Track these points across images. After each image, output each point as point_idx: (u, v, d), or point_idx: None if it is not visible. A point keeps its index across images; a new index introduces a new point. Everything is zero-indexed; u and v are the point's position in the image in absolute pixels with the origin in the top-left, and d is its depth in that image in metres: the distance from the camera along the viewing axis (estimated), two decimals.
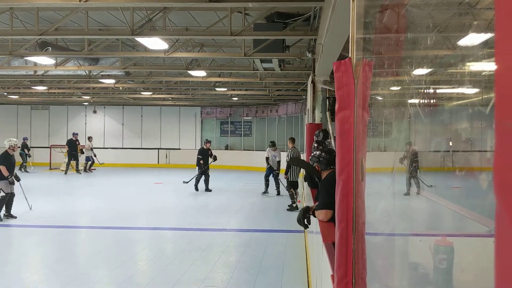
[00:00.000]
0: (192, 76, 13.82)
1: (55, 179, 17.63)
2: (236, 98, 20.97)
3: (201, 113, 25.16)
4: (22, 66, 12.49)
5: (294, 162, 4.59)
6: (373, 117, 1.82)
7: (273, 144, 13.02)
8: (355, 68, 1.67)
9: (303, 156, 17.47)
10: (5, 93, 19.56)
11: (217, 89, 16.94)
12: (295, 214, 10.07)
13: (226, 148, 24.71)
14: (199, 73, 13.16)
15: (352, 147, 1.63)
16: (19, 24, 9.01)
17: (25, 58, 10.94)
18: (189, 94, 19.64)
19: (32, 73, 13.90)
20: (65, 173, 19.14)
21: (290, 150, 11.22)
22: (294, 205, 10.82)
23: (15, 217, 9.34)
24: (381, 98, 2.21)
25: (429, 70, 2.37)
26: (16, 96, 21.05)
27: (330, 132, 5.67)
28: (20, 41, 10.31)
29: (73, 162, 19.67)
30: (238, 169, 22.15)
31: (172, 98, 20.96)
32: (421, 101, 2.10)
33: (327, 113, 6.03)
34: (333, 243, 2.86)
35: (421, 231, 2.17)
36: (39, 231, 8.58)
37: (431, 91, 2.21)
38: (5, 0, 6.68)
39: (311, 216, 3.84)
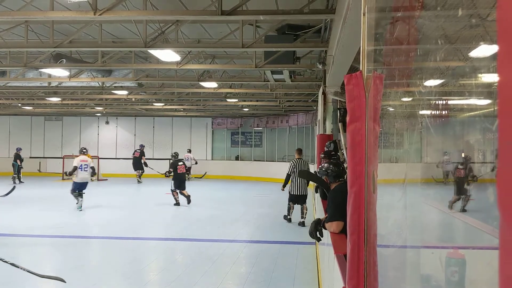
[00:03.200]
0: (203, 88, 13.93)
1: (68, 189, 17.77)
2: (246, 109, 21.05)
3: (212, 124, 25.29)
4: (37, 78, 12.69)
5: (303, 175, 4.59)
6: (384, 128, 1.84)
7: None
8: (366, 81, 1.69)
9: (311, 168, 17.24)
10: (19, 104, 19.88)
11: (228, 100, 17.04)
12: (307, 225, 10.01)
13: (237, 158, 24.75)
14: (211, 85, 13.26)
15: (363, 159, 1.64)
16: (34, 36, 9.20)
17: (39, 70, 11.12)
18: (201, 105, 19.78)
19: (46, 84, 14.12)
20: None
21: (293, 162, 10.57)
22: (288, 216, 10.61)
23: None
24: (392, 110, 2.22)
25: (440, 81, 2.38)
26: (30, 107, 21.37)
27: (343, 143, 5.66)
28: (35, 53, 10.52)
29: None
30: (249, 179, 22.17)
31: (183, 109, 21.13)
32: (433, 112, 2.10)
33: (340, 124, 6.02)
34: (345, 255, 2.86)
35: (433, 243, 2.16)
36: (51, 241, 8.65)
37: (442, 102, 2.22)
38: (21, 13, 6.82)
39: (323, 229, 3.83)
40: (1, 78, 12.81)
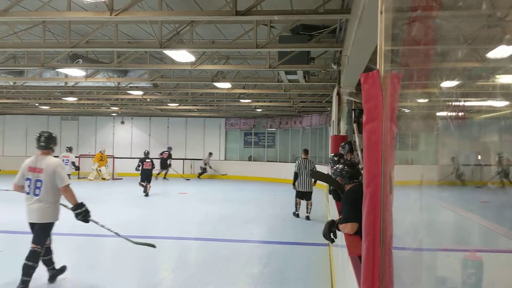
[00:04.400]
0: (217, 88, 13.97)
1: (84, 188, 17.98)
2: (260, 110, 21.06)
3: (225, 124, 25.34)
4: (54, 78, 12.86)
5: (315, 175, 4.57)
6: (400, 129, 1.82)
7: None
8: (383, 80, 1.67)
9: (323, 168, 17.34)
10: (37, 104, 20.17)
11: (241, 100, 17.06)
12: (319, 225, 9.98)
13: (250, 159, 24.77)
14: (224, 85, 13.29)
15: (380, 159, 1.63)
16: (51, 37, 9.33)
17: (56, 70, 11.27)
18: (214, 106, 19.85)
19: (63, 84, 14.30)
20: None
21: (299, 161, 11.34)
22: (296, 212, 11.36)
23: None
24: (408, 110, 2.20)
25: (458, 82, 2.34)
26: (47, 107, 21.68)
27: (358, 144, 5.63)
28: (52, 53, 10.66)
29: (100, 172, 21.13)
30: (261, 180, 22.16)
31: (197, 109, 21.23)
32: (450, 113, 2.08)
33: (354, 125, 5.98)
34: (359, 257, 2.84)
35: (449, 246, 2.13)
36: (66, 239, 8.74)
37: (460, 103, 2.19)
38: (39, 13, 6.92)
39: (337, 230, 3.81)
40: (19, 78, 13.02)
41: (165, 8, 7.26)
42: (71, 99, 17.54)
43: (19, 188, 5.47)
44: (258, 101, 17.92)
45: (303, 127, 23.19)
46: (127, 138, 25.53)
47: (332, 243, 4.26)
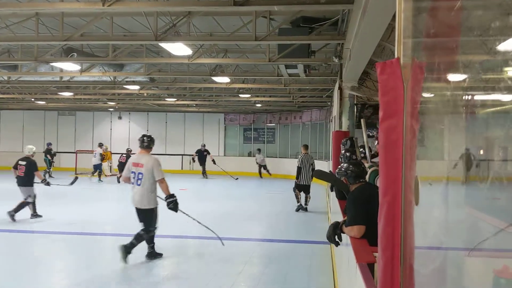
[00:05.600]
0: (215, 83, 13.72)
1: (81, 185, 17.73)
2: (259, 105, 20.79)
3: (224, 120, 25.08)
4: (48, 72, 12.61)
5: (318, 175, 4.34)
6: (423, 126, 1.57)
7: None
8: (403, 69, 1.43)
9: (323, 163, 17.24)
10: (33, 99, 19.89)
11: (240, 95, 16.80)
12: (320, 223, 9.76)
13: (249, 155, 24.53)
14: (223, 79, 13.03)
15: (400, 162, 1.39)
16: (45, 30, 9.05)
17: (50, 64, 11.00)
18: (213, 101, 19.58)
19: (58, 79, 14.04)
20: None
21: (302, 156, 11.62)
22: (298, 204, 11.50)
23: (41, 216, 9.85)
24: (431, 105, 1.96)
25: (477, 74, 2.11)
26: (43, 102, 21.38)
27: (365, 140, 5.37)
28: (46, 47, 10.38)
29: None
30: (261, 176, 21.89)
31: (196, 104, 20.95)
32: (465, 107, 1.84)
33: (362, 120, 5.72)
34: (368, 264, 2.60)
35: (480, 259, 1.87)
36: (64, 238, 8.53)
37: (474, 97, 1.96)
38: (30, 4, 6.66)
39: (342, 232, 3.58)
40: (14, 73, 12.76)
41: None
42: (67, 94, 17.28)
43: (127, 179, 6.64)
44: (257, 96, 17.66)
45: (303, 122, 22.94)
46: (125, 134, 25.24)
47: (336, 246, 4.03)
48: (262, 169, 21.50)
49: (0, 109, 25.20)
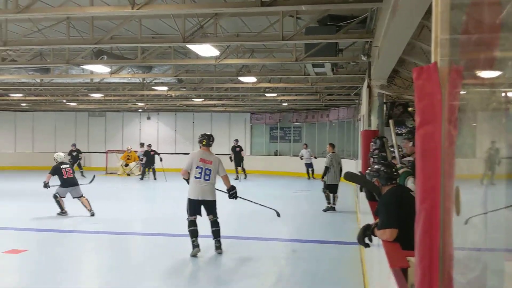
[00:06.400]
0: (242, 82, 13.74)
1: (111, 183, 18.11)
2: (285, 104, 20.70)
3: (250, 119, 25.11)
4: (79, 75, 12.89)
5: (349, 177, 4.26)
6: (461, 133, 1.52)
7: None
8: (441, 74, 1.39)
9: (350, 162, 16.96)
10: (64, 101, 20.39)
11: (267, 95, 16.78)
12: (349, 224, 9.66)
13: (275, 154, 24.49)
14: (249, 79, 13.05)
15: (438, 171, 1.35)
16: (76, 33, 9.26)
17: (81, 66, 11.25)
18: (239, 100, 19.63)
19: (88, 81, 14.33)
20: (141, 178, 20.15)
21: (330, 156, 11.54)
22: (329, 205, 11.38)
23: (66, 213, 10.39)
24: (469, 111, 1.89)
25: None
26: (75, 103, 21.91)
27: (394, 141, 5.26)
28: (77, 50, 10.62)
29: (127, 168, 21.40)
30: (288, 175, 21.82)
31: (222, 104, 21.05)
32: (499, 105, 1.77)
33: (390, 121, 5.61)
34: (402, 269, 2.55)
35: None
36: (94, 237, 8.71)
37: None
38: (61, 9, 6.82)
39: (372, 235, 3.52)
40: (46, 75, 13.11)
41: (188, 1, 7.04)
42: (97, 95, 17.63)
43: (186, 173, 7.11)
44: (283, 95, 17.60)
45: (330, 120, 22.72)
46: (153, 134, 25.60)
47: (366, 248, 3.97)
48: (309, 168, 19.88)
49: (33, 111, 25.94)
